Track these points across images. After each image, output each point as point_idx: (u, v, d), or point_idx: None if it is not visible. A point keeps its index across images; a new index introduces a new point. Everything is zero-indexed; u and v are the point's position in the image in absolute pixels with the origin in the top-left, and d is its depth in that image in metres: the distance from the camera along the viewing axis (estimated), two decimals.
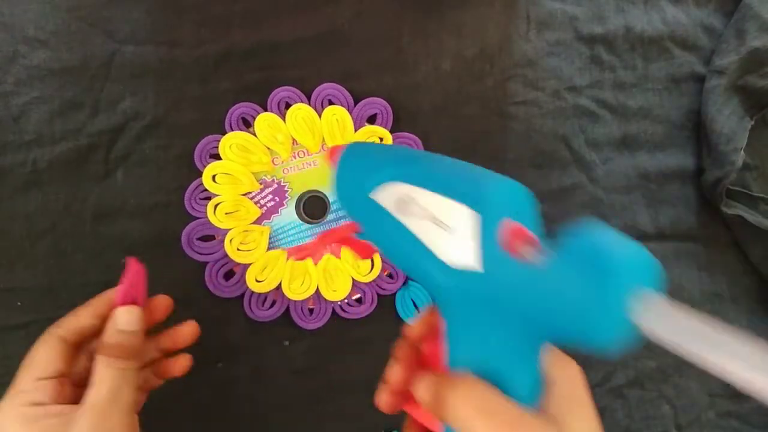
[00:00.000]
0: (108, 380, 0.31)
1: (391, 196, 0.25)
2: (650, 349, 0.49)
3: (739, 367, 0.15)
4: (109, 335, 0.33)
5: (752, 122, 0.49)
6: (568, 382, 0.23)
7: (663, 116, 0.49)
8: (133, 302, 0.34)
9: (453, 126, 0.46)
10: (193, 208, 0.43)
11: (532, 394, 0.22)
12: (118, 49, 0.43)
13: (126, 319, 0.33)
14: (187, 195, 0.43)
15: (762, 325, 0.50)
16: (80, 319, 0.34)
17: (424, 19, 0.46)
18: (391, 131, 0.44)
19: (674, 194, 0.49)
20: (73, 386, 0.33)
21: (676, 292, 0.49)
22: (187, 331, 0.37)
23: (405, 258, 0.26)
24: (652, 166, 0.49)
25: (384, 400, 0.27)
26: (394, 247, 0.26)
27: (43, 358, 0.32)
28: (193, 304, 0.43)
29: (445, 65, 0.46)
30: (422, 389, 0.23)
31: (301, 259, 0.37)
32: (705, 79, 0.50)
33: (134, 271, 0.34)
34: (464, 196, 0.22)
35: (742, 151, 0.47)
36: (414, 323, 0.27)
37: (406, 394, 0.26)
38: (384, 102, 0.44)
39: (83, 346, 0.34)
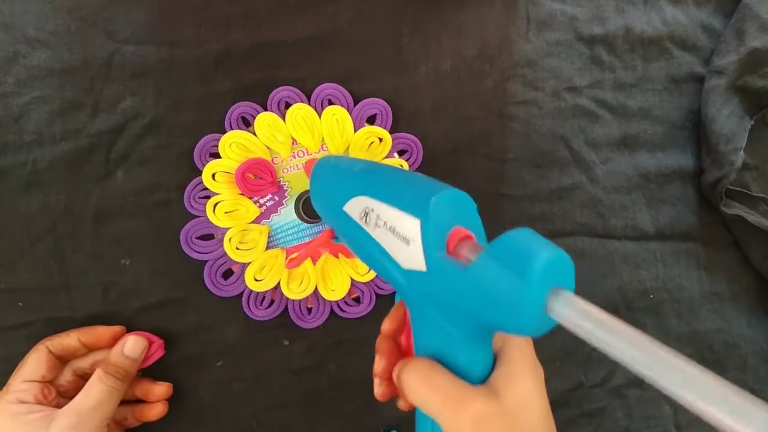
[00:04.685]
0: (97, 391, 0.36)
1: (358, 208, 0.29)
2: None
3: (630, 355, 0.18)
4: (114, 354, 0.39)
5: (752, 122, 0.49)
6: (514, 356, 0.26)
7: (663, 116, 0.49)
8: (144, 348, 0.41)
9: (452, 126, 0.46)
10: (192, 206, 0.43)
11: (483, 373, 0.25)
12: (119, 49, 0.43)
13: (132, 346, 0.40)
14: (186, 193, 0.43)
15: (761, 325, 0.50)
16: (69, 338, 0.39)
17: (423, 20, 0.46)
18: (391, 132, 0.45)
19: (674, 194, 0.49)
20: (59, 396, 0.38)
21: (676, 292, 0.49)
22: (161, 390, 0.42)
23: (372, 261, 0.29)
24: (652, 166, 0.49)
25: (377, 390, 0.30)
26: (362, 251, 0.30)
27: (32, 364, 0.38)
28: (192, 303, 0.43)
29: (445, 65, 0.46)
30: (394, 373, 0.27)
31: (296, 266, 0.38)
32: (705, 80, 0.50)
33: (157, 346, 0.42)
34: (411, 208, 0.26)
35: (741, 151, 0.47)
36: (386, 319, 0.31)
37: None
38: (383, 102, 0.44)
39: (68, 362, 0.40)
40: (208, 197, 0.43)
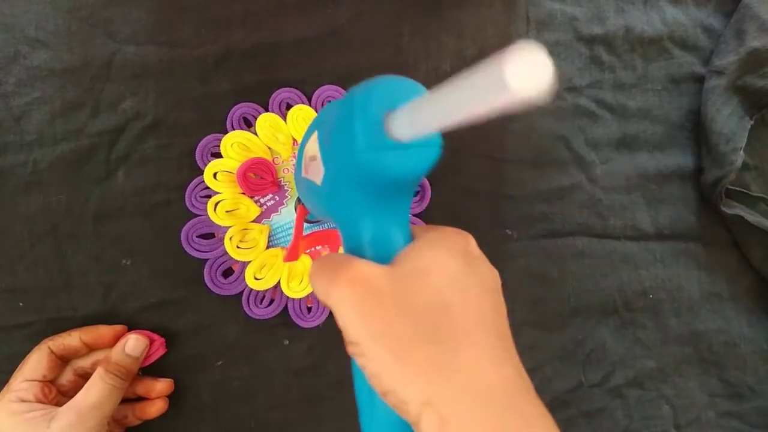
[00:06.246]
0: (98, 390, 0.37)
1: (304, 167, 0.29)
2: (649, 348, 0.49)
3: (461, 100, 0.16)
4: (115, 353, 0.39)
5: (752, 122, 0.49)
6: (424, 239, 0.24)
7: (662, 116, 0.49)
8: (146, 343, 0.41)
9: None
10: (193, 205, 0.43)
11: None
12: (119, 50, 0.43)
13: (134, 345, 0.40)
14: (187, 192, 0.43)
15: (761, 325, 0.51)
16: (70, 338, 0.40)
17: (423, 20, 0.46)
18: None
19: (674, 194, 0.49)
20: (60, 395, 0.38)
21: (676, 292, 0.49)
22: (162, 386, 0.42)
23: (311, 202, 0.29)
24: (652, 166, 0.49)
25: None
26: (307, 199, 0.30)
27: (33, 363, 0.38)
28: (192, 303, 0.43)
29: (445, 66, 0.46)
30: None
31: (294, 257, 0.38)
32: (704, 80, 0.50)
33: (158, 345, 0.42)
34: (313, 126, 0.27)
35: (741, 151, 0.47)
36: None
37: None
38: None
39: (69, 361, 0.40)
40: (209, 196, 0.43)
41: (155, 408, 0.41)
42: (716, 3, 0.50)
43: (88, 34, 0.43)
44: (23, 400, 0.36)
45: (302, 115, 0.43)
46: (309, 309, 0.44)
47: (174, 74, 0.43)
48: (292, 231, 0.44)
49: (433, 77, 0.46)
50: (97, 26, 0.43)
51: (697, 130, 0.50)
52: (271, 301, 0.44)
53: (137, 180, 0.43)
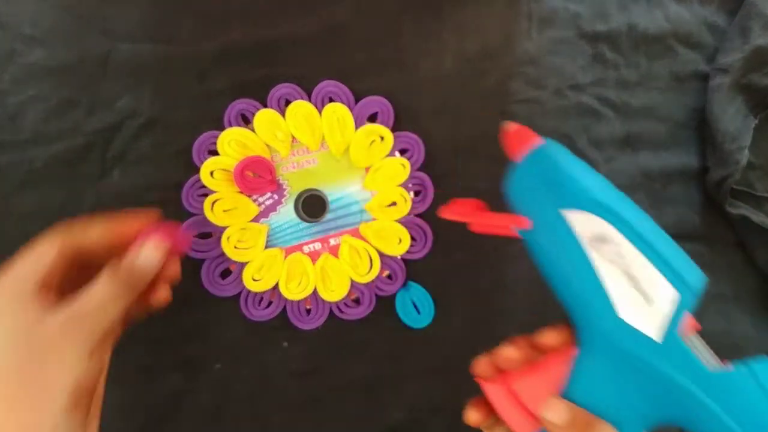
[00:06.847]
0: (100, 294, 0.29)
1: (588, 226, 0.26)
2: None
3: None
4: (128, 261, 0.31)
5: (756, 121, 0.48)
6: None
7: (666, 115, 0.49)
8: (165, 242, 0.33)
9: (454, 125, 0.46)
10: (190, 204, 0.42)
11: None
12: (115, 47, 0.42)
13: (149, 255, 0.32)
14: (184, 190, 0.42)
15: (765, 326, 0.50)
16: (86, 235, 0.32)
17: (424, 17, 0.46)
18: (392, 130, 0.44)
19: (678, 194, 0.49)
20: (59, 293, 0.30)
21: None
22: (170, 271, 0.35)
23: (571, 286, 0.27)
24: (656, 166, 0.48)
25: (482, 366, 0.29)
26: (565, 271, 0.27)
27: (34, 260, 0.30)
28: (190, 304, 0.43)
29: (446, 63, 0.46)
30: (555, 411, 0.26)
31: (454, 215, 0.32)
32: (709, 78, 0.49)
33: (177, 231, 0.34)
34: (673, 276, 0.25)
35: (746, 150, 0.46)
36: (550, 333, 0.29)
37: (499, 372, 0.29)
38: (385, 101, 0.44)
39: (86, 264, 0.31)
40: (206, 195, 0.42)
41: (158, 298, 0.34)
42: (721, 0, 0.50)
43: (84, 31, 0.42)
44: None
45: (302, 111, 0.43)
46: (308, 311, 0.44)
47: (170, 72, 0.43)
48: (293, 231, 0.44)
49: (433, 76, 0.45)
50: (93, 24, 0.42)
51: (701, 129, 0.49)
52: (270, 303, 0.43)
53: (133, 179, 0.42)
